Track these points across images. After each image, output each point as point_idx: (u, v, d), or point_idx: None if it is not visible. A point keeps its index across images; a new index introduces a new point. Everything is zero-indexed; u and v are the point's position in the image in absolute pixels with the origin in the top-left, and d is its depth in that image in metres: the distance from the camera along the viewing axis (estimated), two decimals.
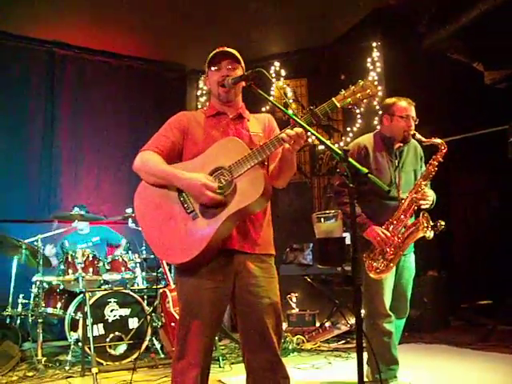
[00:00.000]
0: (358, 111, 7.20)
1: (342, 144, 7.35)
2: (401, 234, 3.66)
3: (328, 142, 2.41)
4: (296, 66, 7.69)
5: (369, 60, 7.23)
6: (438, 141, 3.69)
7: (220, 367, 4.91)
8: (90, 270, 5.24)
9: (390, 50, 7.23)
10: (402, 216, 3.66)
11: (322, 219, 6.10)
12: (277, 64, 7.70)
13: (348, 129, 7.35)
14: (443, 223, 3.66)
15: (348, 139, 7.32)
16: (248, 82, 2.75)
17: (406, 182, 3.81)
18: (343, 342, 5.74)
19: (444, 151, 3.68)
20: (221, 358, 5.00)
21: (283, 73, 7.69)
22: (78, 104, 7.14)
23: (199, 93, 8.15)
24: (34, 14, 6.25)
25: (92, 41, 7.19)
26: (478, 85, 7.58)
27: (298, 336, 5.72)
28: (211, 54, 2.81)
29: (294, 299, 7.06)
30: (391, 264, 3.64)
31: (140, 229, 2.79)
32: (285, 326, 6.83)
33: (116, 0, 6.23)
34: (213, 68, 2.81)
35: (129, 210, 5.60)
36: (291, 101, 7.63)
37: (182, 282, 2.67)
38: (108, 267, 5.44)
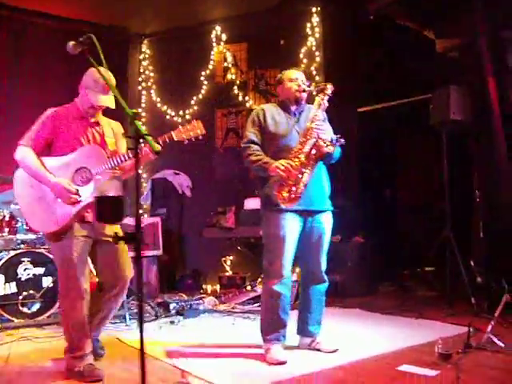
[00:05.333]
0: None
1: None
2: (303, 156, 3.72)
3: (122, 101, 2.52)
4: (237, 31, 7.65)
5: (308, 25, 7.19)
6: (325, 85, 3.88)
7: (126, 325, 5.05)
8: (6, 230, 5.34)
9: (330, 16, 7.18)
10: (300, 146, 3.75)
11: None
12: (218, 28, 7.69)
13: None
14: (342, 139, 3.74)
15: None
16: (83, 47, 2.85)
17: None
18: (258, 304, 5.84)
19: (328, 91, 3.85)
20: (128, 315, 5.14)
21: (224, 37, 7.69)
22: (14, 68, 7.06)
23: (142, 57, 8.16)
24: None
25: (31, 2, 7.11)
26: (427, 52, 7.53)
27: (210, 297, 5.84)
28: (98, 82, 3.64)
29: (229, 262, 7.23)
30: (301, 186, 3.68)
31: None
32: (218, 287, 7.01)
33: None
34: (94, 97, 3.64)
35: None
36: (230, 65, 7.63)
37: (58, 244, 3.53)
38: (27, 227, 5.52)
